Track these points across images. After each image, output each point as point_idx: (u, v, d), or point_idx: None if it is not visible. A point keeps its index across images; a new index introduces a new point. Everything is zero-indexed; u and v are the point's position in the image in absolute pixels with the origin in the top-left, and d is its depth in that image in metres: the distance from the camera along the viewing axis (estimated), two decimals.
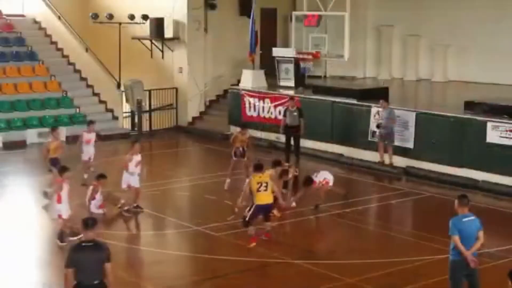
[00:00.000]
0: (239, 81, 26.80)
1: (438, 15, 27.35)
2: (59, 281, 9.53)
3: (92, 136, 19.32)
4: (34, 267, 13.57)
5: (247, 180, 14.75)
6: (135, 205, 16.60)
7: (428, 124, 20.20)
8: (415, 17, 28.08)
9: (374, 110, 21.15)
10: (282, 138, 22.12)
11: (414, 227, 16.33)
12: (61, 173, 14.53)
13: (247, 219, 14.13)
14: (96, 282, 9.07)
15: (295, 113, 21.12)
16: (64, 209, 14.29)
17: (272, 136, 23.97)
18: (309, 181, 16.58)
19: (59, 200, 14.26)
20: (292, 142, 21.51)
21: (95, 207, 16.29)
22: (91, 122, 19.96)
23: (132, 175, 16.47)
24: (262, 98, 24.87)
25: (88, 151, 19.13)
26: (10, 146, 24.03)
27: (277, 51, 26.71)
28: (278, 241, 14.43)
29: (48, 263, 13.65)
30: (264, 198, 14.00)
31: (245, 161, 18.54)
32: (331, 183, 16.87)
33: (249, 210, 14.13)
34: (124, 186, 16.53)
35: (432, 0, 27.51)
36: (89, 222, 9.30)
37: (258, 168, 14.23)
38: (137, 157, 16.63)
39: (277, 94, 24.65)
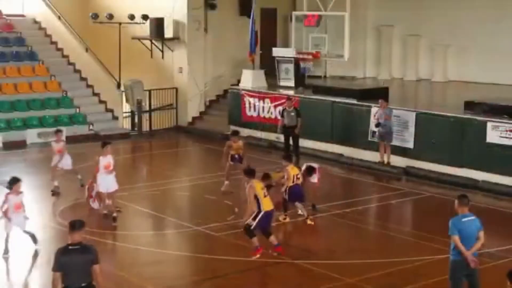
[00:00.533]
0: (239, 81, 26.79)
1: (438, 15, 27.35)
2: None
3: (61, 146, 18.33)
4: (33, 267, 13.56)
5: (247, 186, 14.11)
6: (118, 208, 16.00)
7: (428, 124, 20.19)
8: (415, 17, 28.07)
9: (374, 110, 21.14)
10: (282, 138, 22.13)
11: (414, 227, 16.33)
12: (11, 185, 13.84)
13: (252, 227, 13.32)
14: (83, 284, 8.96)
15: (293, 113, 21.14)
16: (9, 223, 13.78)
17: (272, 136, 23.96)
18: (311, 170, 16.36)
19: (5, 214, 13.73)
20: (291, 142, 21.53)
21: (93, 204, 16.44)
22: (58, 131, 19.13)
23: (106, 178, 15.78)
24: (262, 98, 24.86)
25: (59, 160, 18.19)
26: (10, 146, 24.02)
27: (277, 51, 26.71)
28: (278, 241, 14.40)
29: (47, 263, 13.61)
30: (270, 204, 13.53)
31: (243, 166, 18.27)
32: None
33: (255, 217, 13.31)
34: (102, 190, 15.85)
35: (432, 0, 27.51)
36: (76, 225, 9.07)
37: (251, 173, 13.75)
38: (107, 159, 15.87)
39: (277, 94, 24.63)
